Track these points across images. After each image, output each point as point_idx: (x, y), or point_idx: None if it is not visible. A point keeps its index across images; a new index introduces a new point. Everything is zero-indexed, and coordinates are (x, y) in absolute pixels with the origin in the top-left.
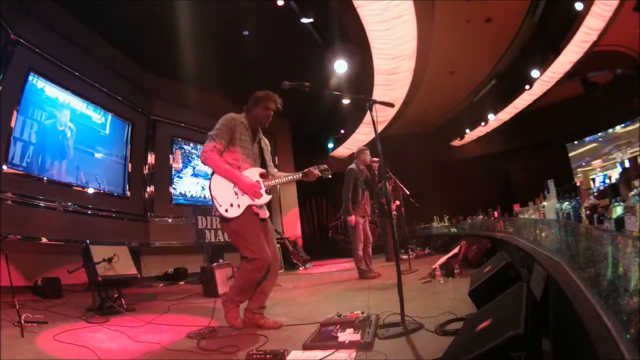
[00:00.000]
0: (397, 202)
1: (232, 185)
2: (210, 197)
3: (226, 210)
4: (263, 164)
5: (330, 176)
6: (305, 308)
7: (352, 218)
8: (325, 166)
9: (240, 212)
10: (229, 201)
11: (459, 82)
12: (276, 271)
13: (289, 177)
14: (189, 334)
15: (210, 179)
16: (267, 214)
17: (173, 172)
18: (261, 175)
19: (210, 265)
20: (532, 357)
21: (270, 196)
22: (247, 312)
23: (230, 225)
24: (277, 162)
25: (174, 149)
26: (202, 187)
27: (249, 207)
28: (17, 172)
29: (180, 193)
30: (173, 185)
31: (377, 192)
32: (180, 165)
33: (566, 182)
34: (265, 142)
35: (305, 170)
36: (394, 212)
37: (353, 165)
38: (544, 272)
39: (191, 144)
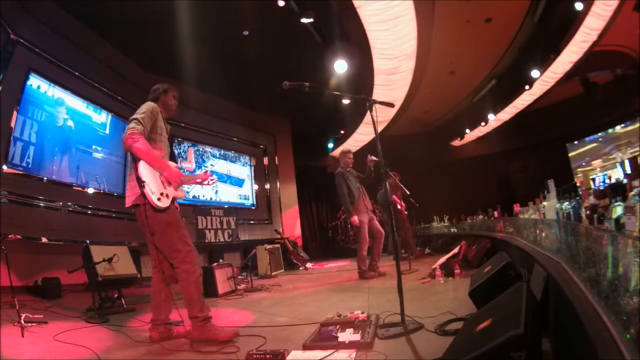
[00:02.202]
0: (399, 200)
1: (158, 174)
2: (139, 183)
3: (159, 199)
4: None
5: (213, 184)
6: (305, 308)
7: (355, 218)
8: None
9: (169, 202)
10: (160, 190)
11: (459, 82)
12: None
13: (192, 176)
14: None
15: (135, 164)
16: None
17: (185, 173)
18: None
19: (210, 265)
20: (532, 357)
21: (185, 192)
22: (159, 325)
23: (160, 217)
24: (277, 162)
25: (186, 147)
26: (215, 190)
27: (173, 199)
28: (17, 172)
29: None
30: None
31: (379, 193)
32: (194, 165)
33: (566, 182)
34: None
35: (202, 173)
36: (402, 209)
37: (339, 168)
38: (544, 272)
39: (203, 146)
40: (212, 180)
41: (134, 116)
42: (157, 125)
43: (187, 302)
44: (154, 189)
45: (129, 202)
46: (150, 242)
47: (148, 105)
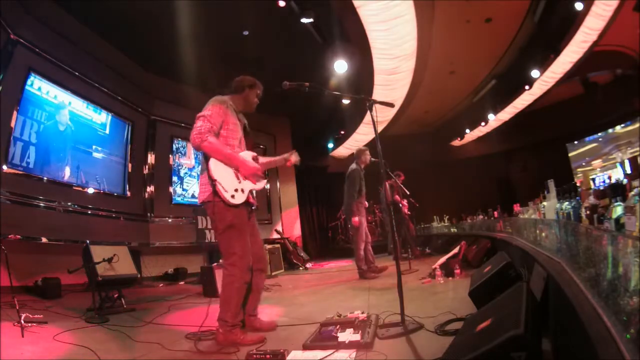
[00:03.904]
0: (403, 200)
1: (232, 169)
2: (211, 182)
3: (232, 197)
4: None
5: (297, 164)
6: (305, 308)
7: (357, 219)
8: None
9: (244, 198)
10: (234, 186)
11: (459, 82)
12: (265, 267)
13: (274, 160)
14: (187, 335)
15: (206, 161)
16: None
17: (185, 170)
18: (253, 159)
19: (210, 265)
20: (532, 357)
21: (265, 180)
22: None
23: (226, 217)
24: None
25: (186, 144)
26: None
27: (249, 194)
28: (17, 172)
29: (180, 194)
30: (184, 185)
31: (381, 194)
32: (193, 161)
33: (566, 182)
34: (245, 123)
35: (286, 155)
36: (405, 208)
37: (355, 166)
38: (544, 272)
39: None
40: (295, 158)
41: (201, 113)
42: (229, 121)
43: (223, 304)
44: (227, 186)
45: (201, 198)
46: None
47: (215, 101)
